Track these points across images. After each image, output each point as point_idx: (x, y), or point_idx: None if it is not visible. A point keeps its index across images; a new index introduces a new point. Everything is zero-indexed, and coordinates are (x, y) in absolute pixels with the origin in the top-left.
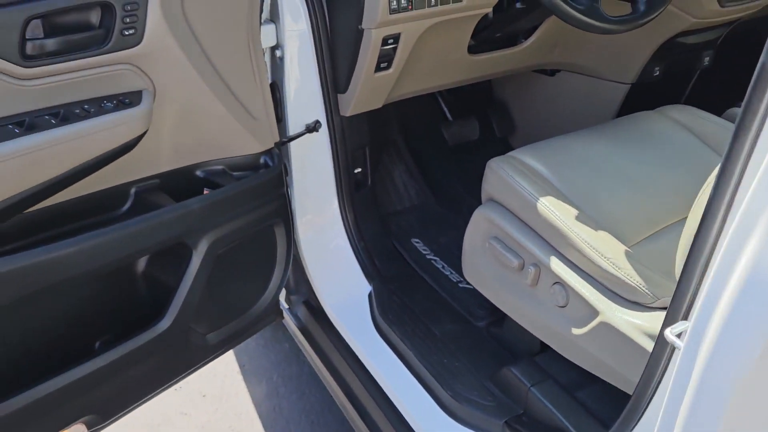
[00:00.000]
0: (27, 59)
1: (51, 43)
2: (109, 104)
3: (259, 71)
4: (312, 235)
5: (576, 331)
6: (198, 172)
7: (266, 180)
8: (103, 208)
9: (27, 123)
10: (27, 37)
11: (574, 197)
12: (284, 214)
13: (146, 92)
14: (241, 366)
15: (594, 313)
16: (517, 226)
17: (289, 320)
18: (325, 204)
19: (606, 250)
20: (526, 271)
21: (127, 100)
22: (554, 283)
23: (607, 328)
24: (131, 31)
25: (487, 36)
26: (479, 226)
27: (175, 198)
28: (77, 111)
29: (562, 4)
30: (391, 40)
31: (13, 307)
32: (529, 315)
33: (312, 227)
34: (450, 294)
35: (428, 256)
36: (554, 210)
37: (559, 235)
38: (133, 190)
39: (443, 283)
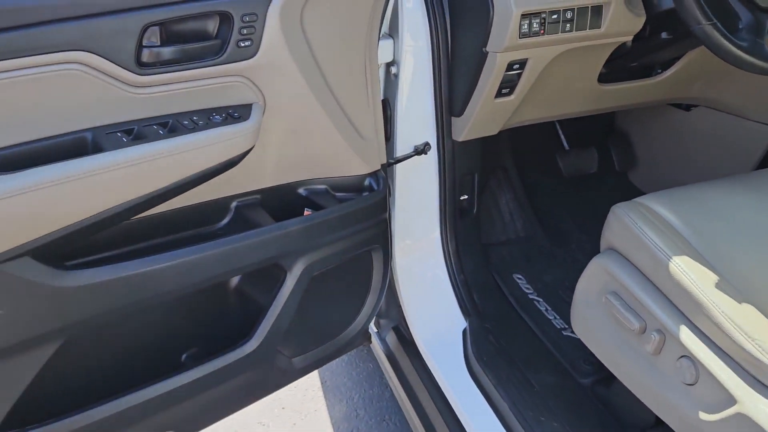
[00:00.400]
0: (141, 66)
1: (166, 52)
2: (217, 117)
3: (372, 89)
4: (409, 261)
5: (704, 416)
6: (300, 190)
7: (370, 204)
8: (202, 221)
9: (135, 132)
10: (143, 44)
11: (713, 259)
12: (384, 241)
13: (256, 106)
14: (323, 382)
15: (730, 399)
16: (642, 285)
17: (376, 344)
18: (426, 231)
19: (751, 329)
20: (648, 336)
21: (236, 113)
22: (681, 356)
23: (745, 420)
24: (247, 43)
25: (620, 65)
26: (596, 276)
27: (274, 215)
28: (185, 122)
29: (720, 38)
30: (516, 66)
31: (105, 316)
32: (646, 385)
33: (409, 253)
34: (552, 342)
35: (530, 296)
36: (688, 272)
37: (693, 303)
38: (233, 205)
39: (545, 329)
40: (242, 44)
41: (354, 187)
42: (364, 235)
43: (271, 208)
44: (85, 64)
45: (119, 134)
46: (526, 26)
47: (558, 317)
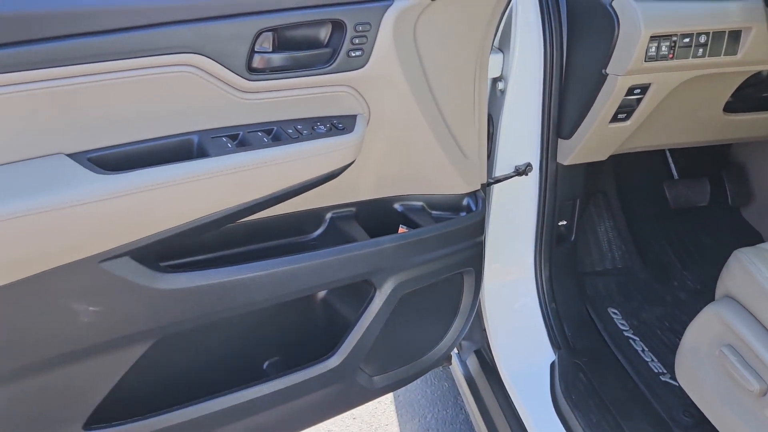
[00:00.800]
0: (251, 72)
1: (277, 58)
2: (321, 127)
3: (480, 105)
4: (498, 285)
5: None
6: (396, 206)
7: (467, 225)
8: (296, 230)
9: (240, 137)
10: (255, 50)
11: None
12: (478, 264)
13: (360, 117)
14: (396, 396)
15: None
16: (765, 341)
17: (455, 365)
18: (520, 256)
19: None
20: None
21: (341, 124)
22: None
23: None
24: (358, 53)
25: (751, 94)
26: (710, 325)
27: (367, 229)
28: (290, 130)
29: None
30: (637, 90)
31: (196, 320)
32: None
33: (499, 277)
34: (648, 386)
35: (626, 333)
36: None
37: None
38: (328, 216)
39: (641, 371)
40: (353, 54)
41: (451, 206)
42: (458, 257)
43: (365, 221)
44: (198, 67)
45: (224, 139)
46: (653, 49)
47: (655, 360)
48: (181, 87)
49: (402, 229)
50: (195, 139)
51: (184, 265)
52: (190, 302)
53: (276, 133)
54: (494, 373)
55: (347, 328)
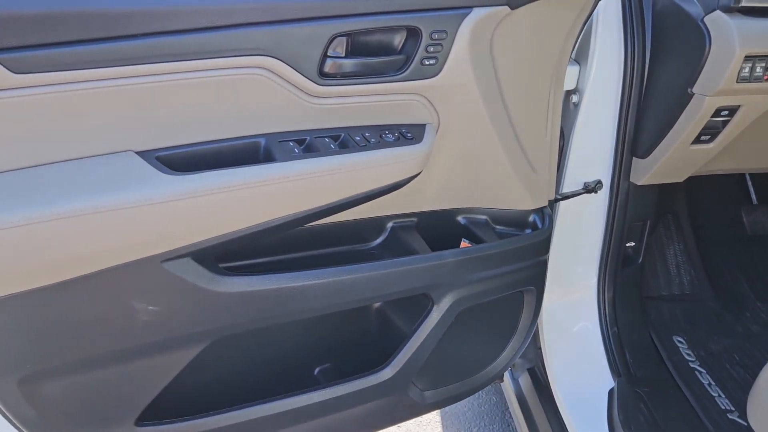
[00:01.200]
0: (322, 77)
1: (349, 64)
2: (390, 136)
3: (553, 119)
4: (557, 306)
5: None
6: (460, 218)
7: (532, 243)
8: (357, 238)
9: (307, 142)
10: (328, 54)
11: None
12: (540, 283)
13: (429, 127)
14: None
15: None
16: None
17: (507, 381)
18: (582, 276)
19: None
20: None
21: (409, 134)
22: None
23: None
24: (432, 61)
25: None
26: None
27: (428, 240)
28: (357, 138)
29: None
30: (725, 112)
31: (252, 324)
32: None
33: (559, 297)
34: (715, 424)
35: (692, 364)
36: None
37: None
38: (389, 225)
39: (707, 406)
40: (426, 62)
41: (516, 221)
42: (520, 275)
43: (427, 232)
44: (270, 70)
45: (291, 143)
46: (747, 70)
47: (723, 395)
48: (251, 89)
49: (464, 244)
50: (262, 142)
51: (243, 267)
52: (247, 306)
53: (343, 140)
54: (548, 395)
55: (402, 340)
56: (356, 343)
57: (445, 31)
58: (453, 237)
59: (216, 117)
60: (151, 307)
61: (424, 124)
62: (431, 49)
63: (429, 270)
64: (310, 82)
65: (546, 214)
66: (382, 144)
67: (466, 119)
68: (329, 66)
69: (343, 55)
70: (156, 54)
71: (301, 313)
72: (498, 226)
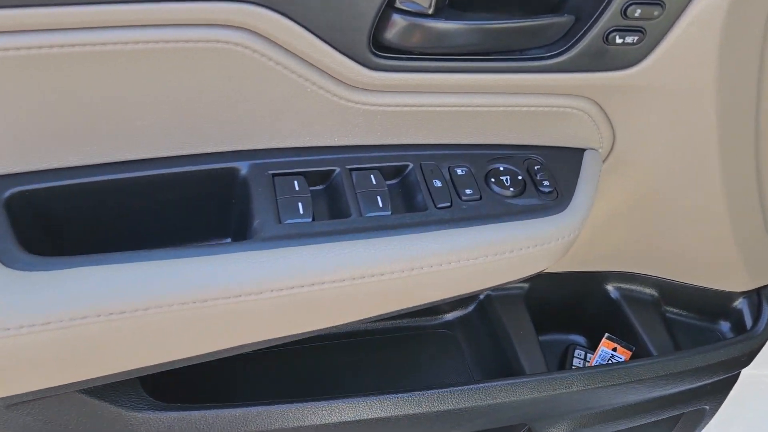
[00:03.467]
0: (378, 52)
1: (442, 30)
2: (505, 181)
3: None
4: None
5: None
6: (609, 288)
7: (733, 356)
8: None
9: (332, 181)
10: (395, 6)
11: None
12: (717, 402)
13: (592, 158)
14: None
15: None
16: None
17: None
18: None
19: None
20: None
21: (544, 179)
22: None
23: None
24: (633, 38)
25: None
26: None
27: (543, 319)
28: (437, 184)
29: None
30: None
31: None
32: None
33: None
34: None
35: None
36: None
37: None
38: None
39: None
40: (620, 39)
41: (706, 305)
42: (692, 394)
43: (543, 306)
44: (255, 33)
45: (297, 182)
46: None
47: None
48: (222, 72)
49: (607, 343)
50: (242, 169)
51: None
52: None
53: (409, 181)
54: None
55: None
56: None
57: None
58: (588, 319)
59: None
60: None
61: (582, 150)
62: (637, 12)
63: (536, 399)
64: (350, 61)
65: (765, 302)
66: (490, 202)
67: (670, 141)
68: (395, 30)
69: (429, 9)
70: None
71: None
72: (671, 309)
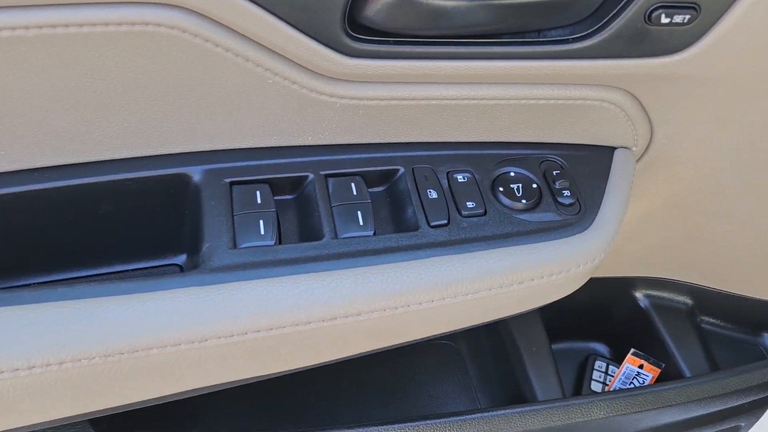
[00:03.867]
0: (354, 34)
1: (437, 6)
2: (515, 190)
3: None
4: None
5: None
6: (639, 296)
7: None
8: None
9: (303, 192)
10: None
11: None
12: (754, 417)
13: (623, 156)
14: None
15: None
16: None
17: None
18: None
19: None
20: None
21: (565, 189)
22: None
23: None
24: (683, 17)
25: None
26: None
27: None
28: (432, 194)
29: None
30: None
31: None
32: None
33: None
34: None
35: None
36: None
37: None
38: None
39: None
40: (666, 18)
41: (748, 315)
42: (727, 413)
43: (559, 317)
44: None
45: (258, 192)
46: None
47: None
48: (159, 60)
49: (633, 359)
50: (194, 177)
51: None
52: None
53: (398, 189)
54: None
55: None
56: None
57: None
58: (612, 328)
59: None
60: None
61: (611, 149)
62: None
63: (555, 430)
64: (320, 46)
65: None
66: (491, 224)
67: (719, 143)
68: (377, 5)
69: None
70: None
71: None
72: (707, 318)
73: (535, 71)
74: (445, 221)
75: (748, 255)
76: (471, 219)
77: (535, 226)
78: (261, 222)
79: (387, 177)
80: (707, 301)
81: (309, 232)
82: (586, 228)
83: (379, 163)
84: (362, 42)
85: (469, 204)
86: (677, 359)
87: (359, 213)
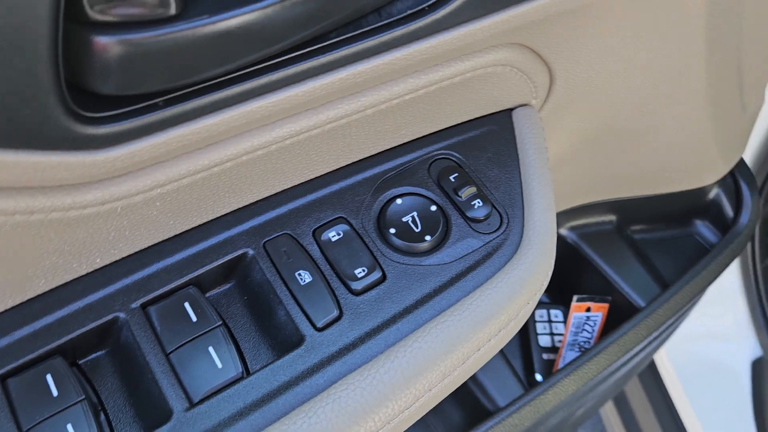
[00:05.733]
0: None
1: None
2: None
3: None
4: None
5: None
6: (562, 232)
7: (726, 262)
8: None
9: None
10: None
11: None
12: None
13: (525, 115)
14: None
15: None
16: None
17: None
18: None
19: None
20: None
21: (479, 205)
22: None
23: None
24: None
25: None
26: None
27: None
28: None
29: None
30: None
31: None
32: None
33: None
34: None
35: None
36: None
37: None
38: None
39: None
40: None
41: (677, 209)
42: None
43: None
44: None
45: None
46: None
47: None
48: None
49: (578, 306)
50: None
51: None
52: None
53: (254, 288)
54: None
55: None
56: None
57: None
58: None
59: None
60: None
61: (508, 111)
62: None
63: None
64: (44, 155)
65: (742, 181)
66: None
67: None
68: (114, 63)
69: (170, 8)
70: None
71: None
72: (636, 227)
73: (400, 62)
74: (336, 313)
75: (671, 155)
76: (369, 294)
77: (455, 270)
78: (69, 427)
79: (231, 269)
80: (631, 210)
81: (146, 408)
82: (517, 240)
83: (213, 254)
84: (107, 122)
85: (359, 272)
86: (622, 286)
87: (211, 349)
